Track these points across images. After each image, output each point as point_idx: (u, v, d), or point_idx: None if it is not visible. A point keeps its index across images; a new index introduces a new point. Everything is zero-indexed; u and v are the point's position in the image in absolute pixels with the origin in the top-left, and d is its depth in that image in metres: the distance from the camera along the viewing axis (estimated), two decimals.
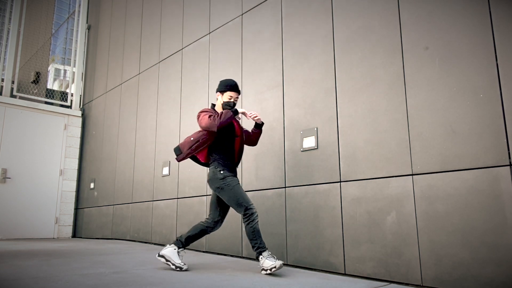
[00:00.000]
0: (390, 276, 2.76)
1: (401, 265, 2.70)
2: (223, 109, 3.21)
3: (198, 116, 3.14)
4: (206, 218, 3.21)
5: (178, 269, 3.02)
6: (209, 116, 3.04)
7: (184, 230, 4.78)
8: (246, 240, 3.91)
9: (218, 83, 3.39)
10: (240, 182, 3.24)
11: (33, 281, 2.56)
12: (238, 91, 3.25)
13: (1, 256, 3.88)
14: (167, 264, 3.07)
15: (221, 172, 3.08)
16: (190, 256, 4.06)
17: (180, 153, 3.18)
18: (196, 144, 3.11)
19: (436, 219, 2.57)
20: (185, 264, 3.07)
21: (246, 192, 4.02)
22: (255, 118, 3.26)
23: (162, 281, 2.63)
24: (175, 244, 3.12)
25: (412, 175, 2.75)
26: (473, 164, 2.46)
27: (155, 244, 5.26)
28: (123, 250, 4.55)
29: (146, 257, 3.93)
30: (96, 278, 2.67)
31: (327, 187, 3.27)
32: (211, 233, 4.35)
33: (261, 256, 2.91)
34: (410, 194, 2.73)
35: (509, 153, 2.32)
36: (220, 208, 3.19)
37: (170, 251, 3.09)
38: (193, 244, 4.59)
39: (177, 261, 3.05)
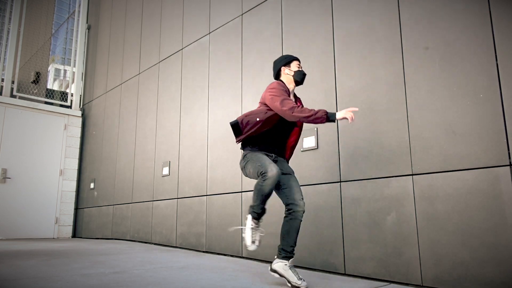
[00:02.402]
0: (390, 276, 2.76)
1: (401, 265, 2.70)
2: (296, 79, 2.76)
3: (271, 91, 2.63)
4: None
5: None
6: (285, 100, 2.54)
7: (184, 230, 4.78)
8: None
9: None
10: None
11: (33, 281, 2.56)
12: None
13: (1, 256, 3.88)
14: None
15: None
16: (190, 256, 4.06)
17: (241, 133, 2.70)
18: (258, 126, 2.64)
19: (436, 219, 2.57)
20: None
21: (245, 192, 4.03)
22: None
23: (162, 281, 2.63)
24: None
25: (412, 175, 2.75)
26: (473, 164, 2.46)
27: (155, 244, 5.26)
28: (123, 250, 4.54)
29: (146, 257, 3.93)
30: (96, 278, 2.67)
31: (327, 187, 3.27)
32: (212, 233, 4.36)
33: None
34: (410, 194, 2.73)
35: (509, 153, 2.32)
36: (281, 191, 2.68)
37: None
38: (193, 244, 4.60)
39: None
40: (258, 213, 2.54)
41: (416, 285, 2.61)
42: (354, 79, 3.22)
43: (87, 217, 7.14)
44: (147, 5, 6.44)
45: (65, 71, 9.74)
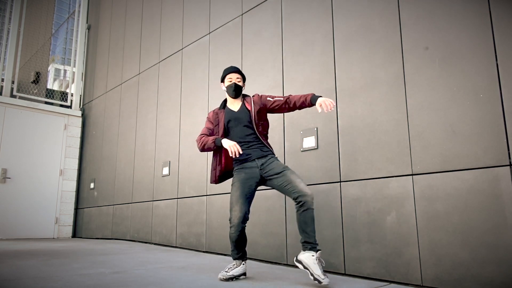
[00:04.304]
0: (390, 276, 2.76)
1: (401, 265, 2.70)
2: (228, 94, 2.96)
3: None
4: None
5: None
6: (200, 136, 2.93)
7: (184, 230, 4.78)
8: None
9: (219, 81, 3.29)
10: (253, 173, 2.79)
11: (33, 281, 2.56)
12: (237, 72, 2.97)
13: (1, 256, 3.88)
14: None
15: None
16: (190, 256, 4.06)
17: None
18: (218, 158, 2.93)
19: (436, 219, 2.57)
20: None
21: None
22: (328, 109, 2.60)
23: (162, 281, 2.63)
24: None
25: (412, 175, 2.75)
26: (473, 164, 2.46)
27: (155, 244, 5.26)
28: (123, 250, 4.55)
29: (146, 257, 3.93)
30: (96, 278, 2.67)
31: (327, 187, 3.27)
32: (212, 233, 4.36)
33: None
34: (410, 194, 2.73)
35: (509, 153, 2.32)
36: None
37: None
38: (193, 244, 4.60)
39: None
40: (235, 258, 2.78)
41: (416, 285, 2.61)
42: (354, 79, 3.22)
43: (87, 217, 7.14)
44: (147, 5, 6.44)
45: (65, 71, 9.74)
